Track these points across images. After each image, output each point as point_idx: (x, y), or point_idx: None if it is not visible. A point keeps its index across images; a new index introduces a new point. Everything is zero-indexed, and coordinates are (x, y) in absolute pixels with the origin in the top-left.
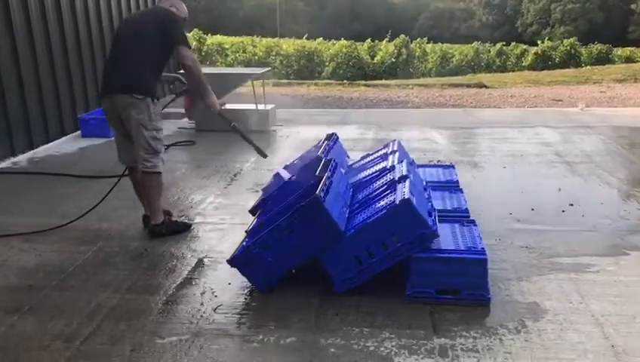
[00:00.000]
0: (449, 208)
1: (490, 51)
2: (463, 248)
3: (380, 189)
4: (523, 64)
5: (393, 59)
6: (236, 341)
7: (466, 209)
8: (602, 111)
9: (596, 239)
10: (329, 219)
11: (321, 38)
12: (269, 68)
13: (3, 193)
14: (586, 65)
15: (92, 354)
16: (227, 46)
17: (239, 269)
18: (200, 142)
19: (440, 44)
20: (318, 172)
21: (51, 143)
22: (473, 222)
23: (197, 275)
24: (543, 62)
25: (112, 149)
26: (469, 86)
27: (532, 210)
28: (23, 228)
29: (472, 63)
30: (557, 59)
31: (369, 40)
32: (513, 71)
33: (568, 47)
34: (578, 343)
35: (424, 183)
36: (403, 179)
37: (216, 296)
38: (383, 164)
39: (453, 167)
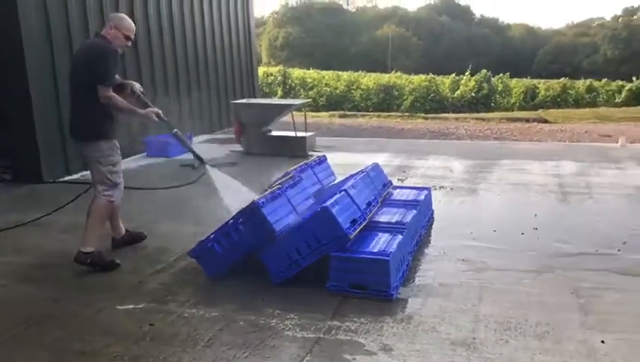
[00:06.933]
0: (393, 221)
1: (579, 87)
2: (375, 251)
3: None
4: (616, 101)
5: (473, 94)
6: (174, 314)
7: (405, 223)
8: None
9: (529, 258)
10: (265, 220)
11: (399, 72)
12: (309, 100)
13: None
14: None
15: None
16: (309, 80)
17: (196, 259)
18: (242, 163)
19: (524, 79)
20: (275, 183)
21: None
22: (401, 232)
23: (174, 264)
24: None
25: (166, 166)
26: (527, 120)
27: (494, 231)
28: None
29: (559, 99)
30: None
31: (453, 75)
32: (605, 107)
33: None
34: (445, 334)
35: (372, 199)
36: (340, 192)
37: (181, 279)
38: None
39: (428, 189)
